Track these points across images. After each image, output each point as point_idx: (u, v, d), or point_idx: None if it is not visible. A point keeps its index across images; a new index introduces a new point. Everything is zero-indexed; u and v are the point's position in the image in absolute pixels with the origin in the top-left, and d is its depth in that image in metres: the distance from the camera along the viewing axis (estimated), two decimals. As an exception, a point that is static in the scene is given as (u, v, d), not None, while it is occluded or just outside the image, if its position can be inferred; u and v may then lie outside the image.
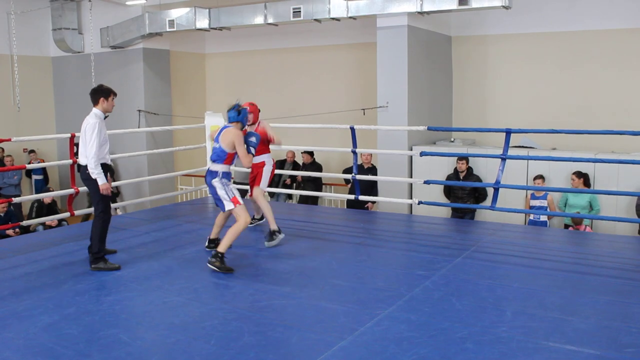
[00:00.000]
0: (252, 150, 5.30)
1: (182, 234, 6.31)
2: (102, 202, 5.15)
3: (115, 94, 5.28)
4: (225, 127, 5.26)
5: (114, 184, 10.48)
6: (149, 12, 11.52)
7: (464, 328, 3.69)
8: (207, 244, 5.62)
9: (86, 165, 5.08)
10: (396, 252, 5.47)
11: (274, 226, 5.77)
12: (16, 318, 3.93)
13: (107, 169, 5.19)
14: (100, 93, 5.16)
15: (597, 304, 4.09)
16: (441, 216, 8.11)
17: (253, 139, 5.34)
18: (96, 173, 5.03)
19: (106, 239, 5.25)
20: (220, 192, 5.11)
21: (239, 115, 5.23)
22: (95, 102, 5.16)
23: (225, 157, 5.15)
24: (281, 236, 5.77)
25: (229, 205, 5.07)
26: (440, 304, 4.13)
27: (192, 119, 11.55)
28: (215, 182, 5.13)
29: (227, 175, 5.19)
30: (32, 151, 12.45)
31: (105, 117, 5.25)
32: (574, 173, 7.73)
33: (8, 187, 11.48)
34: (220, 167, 5.15)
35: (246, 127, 5.44)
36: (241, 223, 5.02)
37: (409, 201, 7.74)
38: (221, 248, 4.95)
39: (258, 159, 5.94)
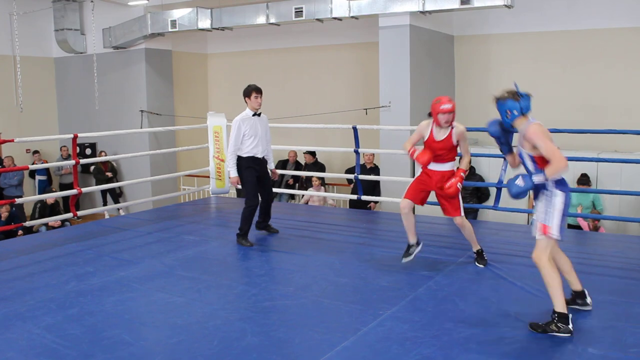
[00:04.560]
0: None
1: (184, 235, 6.30)
2: (246, 192, 5.77)
3: (257, 91, 5.74)
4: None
5: (115, 184, 10.61)
6: (151, 13, 11.54)
7: (467, 328, 3.68)
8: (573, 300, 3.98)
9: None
10: (399, 252, 5.44)
11: (411, 239, 4.94)
12: (19, 318, 3.93)
13: (253, 161, 5.73)
14: (244, 94, 5.78)
15: (601, 303, 4.08)
16: (444, 216, 8.07)
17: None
18: (230, 165, 5.73)
19: (250, 224, 5.79)
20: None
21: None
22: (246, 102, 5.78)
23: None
24: (409, 258, 4.92)
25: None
26: (443, 304, 4.12)
27: (195, 119, 11.56)
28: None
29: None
30: (35, 152, 12.48)
31: (254, 115, 5.77)
32: (578, 182, 7.76)
33: (9, 188, 11.50)
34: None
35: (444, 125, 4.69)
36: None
37: (412, 201, 7.71)
38: (559, 307, 3.56)
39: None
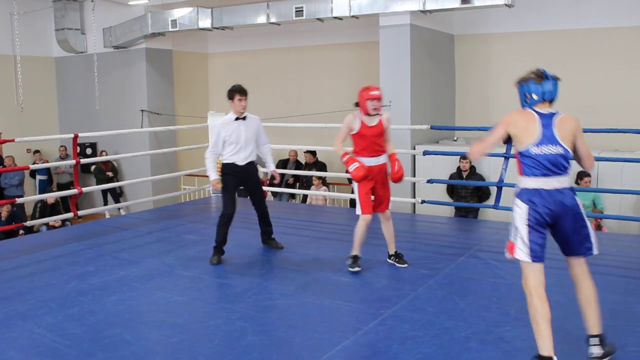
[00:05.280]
0: None
1: (185, 234, 6.31)
2: (223, 200, 5.36)
3: (240, 93, 5.22)
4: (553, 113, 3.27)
5: (116, 184, 10.61)
6: (151, 12, 11.54)
7: (467, 327, 3.68)
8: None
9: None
10: (399, 251, 5.45)
11: (358, 251, 4.93)
12: (20, 318, 3.93)
13: (233, 168, 5.29)
14: (227, 96, 5.26)
15: (601, 303, 4.04)
16: (444, 215, 8.09)
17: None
18: (208, 169, 5.35)
19: (224, 235, 5.23)
20: None
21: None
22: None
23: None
24: (359, 269, 4.84)
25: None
26: (443, 303, 4.12)
27: (195, 119, 11.56)
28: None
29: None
30: (36, 151, 12.49)
31: (238, 119, 5.28)
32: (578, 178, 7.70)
33: (10, 188, 11.51)
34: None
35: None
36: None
37: (412, 200, 7.72)
38: (541, 349, 2.93)
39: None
